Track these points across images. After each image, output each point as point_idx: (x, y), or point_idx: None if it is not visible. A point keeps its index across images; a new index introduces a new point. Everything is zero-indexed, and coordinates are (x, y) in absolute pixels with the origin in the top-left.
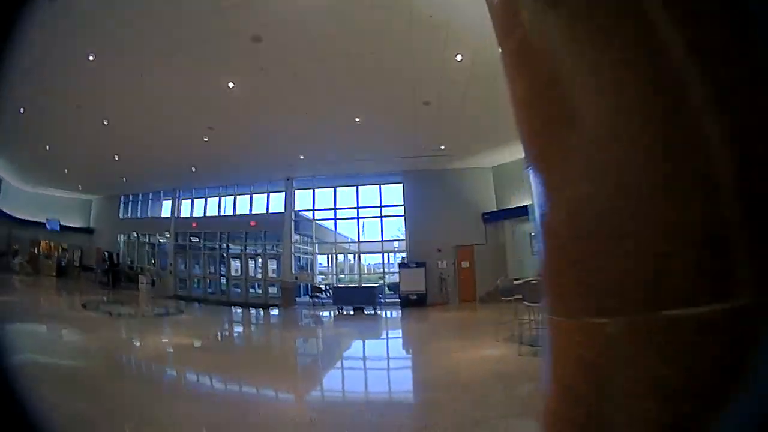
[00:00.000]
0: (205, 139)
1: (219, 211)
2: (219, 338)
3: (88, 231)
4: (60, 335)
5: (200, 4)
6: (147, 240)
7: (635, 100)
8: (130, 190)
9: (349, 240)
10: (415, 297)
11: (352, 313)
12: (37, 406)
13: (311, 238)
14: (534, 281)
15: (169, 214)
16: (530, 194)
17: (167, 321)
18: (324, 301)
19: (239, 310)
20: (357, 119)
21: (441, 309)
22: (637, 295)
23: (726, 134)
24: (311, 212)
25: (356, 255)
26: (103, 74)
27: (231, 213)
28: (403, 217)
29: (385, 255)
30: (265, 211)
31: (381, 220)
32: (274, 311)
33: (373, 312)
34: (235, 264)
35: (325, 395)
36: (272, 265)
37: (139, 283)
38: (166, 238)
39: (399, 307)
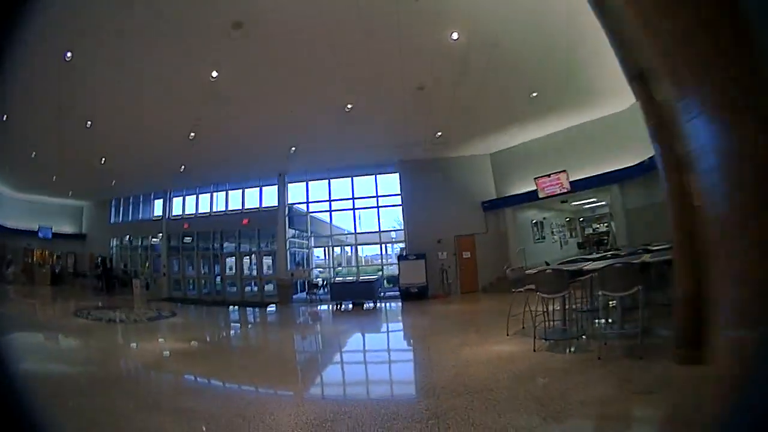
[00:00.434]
0: (192, 135)
1: (211, 208)
2: (210, 341)
3: (80, 237)
4: (45, 345)
5: None
6: (139, 243)
7: None
8: (121, 194)
9: (346, 232)
10: (415, 290)
11: (350, 308)
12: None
13: (306, 232)
14: (550, 270)
15: (160, 215)
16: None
17: (159, 325)
18: (322, 296)
19: (235, 310)
20: (348, 106)
21: (443, 301)
22: None
23: None
24: (305, 205)
25: (353, 247)
26: (82, 72)
27: (223, 210)
28: (401, 207)
29: (383, 247)
30: (258, 207)
31: (378, 211)
32: (271, 309)
33: (372, 306)
34: (229, 263)
35: (327, 405)
36: (268, 261)
37: (133, 287)
38: (159, 239)
39: (399, 300)
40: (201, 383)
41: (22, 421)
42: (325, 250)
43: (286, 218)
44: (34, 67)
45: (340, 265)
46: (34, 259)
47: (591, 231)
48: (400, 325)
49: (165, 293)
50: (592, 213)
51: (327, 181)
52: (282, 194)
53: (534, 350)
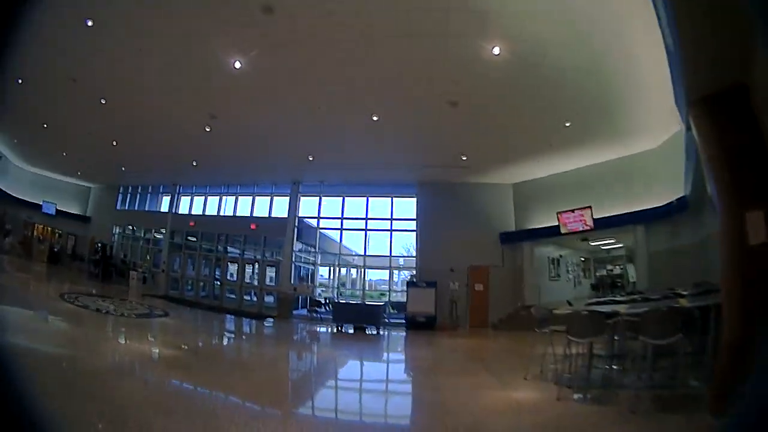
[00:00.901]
0: (207, 129)
1: (219, 211)
2: (198, 350)
3: (84, 219)
4: (12, 321)
5: None
6: (142, 235)
7: None
8: (130, 181)
9: (355, 253)
10: (423, 319)
11: (351, 332)
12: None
13: (314, 247)
14: (585, 312)
15: (166, 209)
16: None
17: (147, 323)
18: (323, 315)
19: (231, 318)
20: (375, 117)
21: (451, 334)
22: None
23: None
24: (316, 220)
25: (361, 270)
26: (101, 42)
27: (231, 214)
28: (414, 233)
29: (392, 272)
30: (268, 215)
31: (390, 235)
32: (269, 323)
33: (375, 332)
34: (231, 268)
35: None
36: (270, 272)
37: (130, 278)
38: (162, 234)
39: (404, 328)
40: (177, 397)
41: None
42: (330, 269)
43: (295, 229)
44: (54, 29)
45: (343, 285)
46: (35, 233)
47: (604, 273)
48: (407, 357)
49: (162, 290)
50: (607, 254)
51: (341, 198)
52: (293, 203)
53: (558, 399)
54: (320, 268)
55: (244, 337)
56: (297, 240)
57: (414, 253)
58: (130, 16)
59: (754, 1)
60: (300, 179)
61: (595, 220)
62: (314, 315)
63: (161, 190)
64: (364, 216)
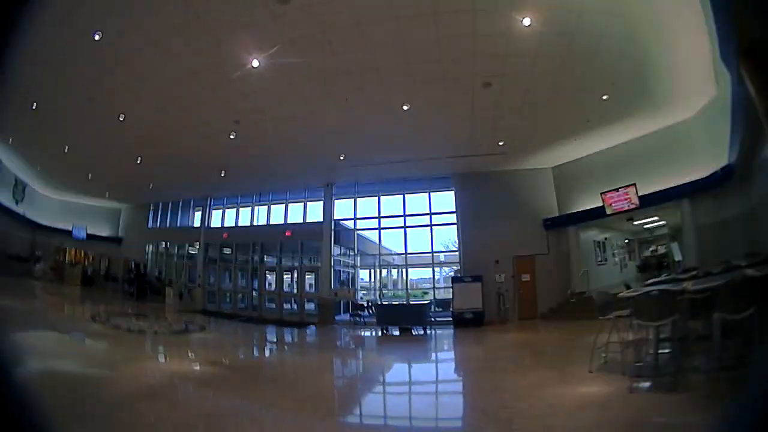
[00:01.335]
0: (232, 136)
1: (252, 221)
2: (235, 365)
3: (116, 240)
4: (37, 345)
5: None
6: (176, 251)
7: None
8: (160, 198)
9: (394, 252)
10: (470, 315)
11: (397, 333)
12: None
13: (353, 250)
14: (656, 292)
15: (199, 224)
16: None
17: (183, 340)
18: (366, 319)
19: (271, 329)
20: (405, 107)
21: (501, 329)
22: None
23: None
24: (353, 221)
25: (402, 269)
26: (112, 56)
27: (265, 223)
28: (455, 226)
29: (435, 269)
30: (302, 221)
31: (431, 230)
32: (311, 331)
33: (422, 333)
34: (268, 278)
35: None
36: (310, 279)
37: (166, 295)
38: (196, 249)
39: (451, 326)
40: (212, 418)
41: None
42: (370, 271)
43: (332, 233)
44: (63, 48)
45: (385, 287)
46: (67, 258)
47: (648, 253)
48: (459, 357)
49: (199, 305)
50: (650, 234)
51: (377, 198)
52: (328, 207)
53: (630, 391)
54: (360, 271)
55: (285, 347)
56: (335, 244)
57: (456, 248)
58: (141, 26)
59: None
60: (333, 181)
61: (640, 198)
62: (357, 319)
63: (192, 205)
64: (402, 213)
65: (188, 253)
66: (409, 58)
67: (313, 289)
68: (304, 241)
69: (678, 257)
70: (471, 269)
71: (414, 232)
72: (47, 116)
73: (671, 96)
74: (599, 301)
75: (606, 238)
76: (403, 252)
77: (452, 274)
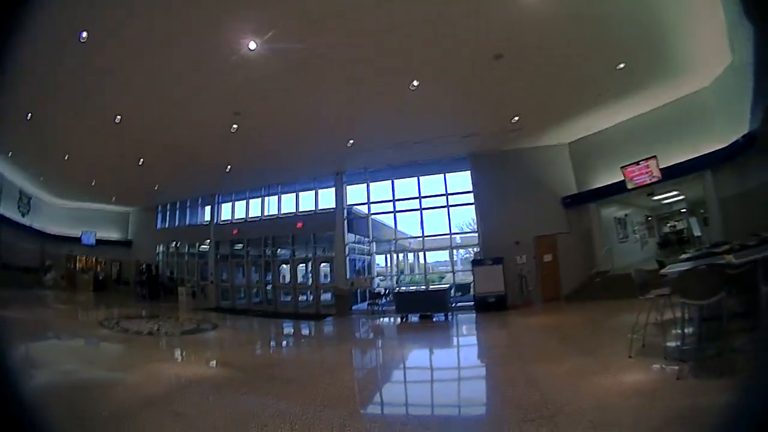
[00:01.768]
0: (234, 128)
1: (262, 213)
2: (247, 366)
3: (126, 244)
4: (36, 359)
5: None
6: (186, 250)
7: None
8: (167, 199)
9: (411, 236)
10: (492, 299)
11: (416, 320)
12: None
13: (367, 236)
14: (703, 267)
15: (208, 221)
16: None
17: (194, 340)
18: (385, 307)
19: (287, 323)
20: (414, 84)
21: (525, 312)
22: None
23: None
24: (366, 206)
25: (419, 253)
26: (101, 56)
27: (275, 214)
28: (472, 207)
29: (452, 252)
30: (314, 210)
31: (448, 211)
32: (328, 323)
33: (444, 319)
34: (282, 271)
35: None
36: (325, 269)
37: (178, 294)
38: (207, 246)
39: (472, 311)
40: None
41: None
42: (386, 257)
43: (345, 221)
44: (50, 53)
45: (402, 272)
46: (78, 265)
47: (668, 229)
48: (486, 344)
49: (213, 302)
50: (669, 210)
51: (390, 182)
52: (340, 194)
53: (678, 378)
54: (376, 257)
55: (303, 341)
56: (348, 231)
57: (474, 229)
58: (130, 18)
59: None
60: (343, 169)
61: (661, 170)
62: (375, 308)
63: (200, 202)
64: (417, 195)
65: (199, 250)
66: (416, 31)
67: (328, 280)
68: (316, 231)
69: (697, 232)
70: (491, 251)
71: (429, 215)
72: (43, 126)
73: (687, 64)
74: (638, 280)
75: (626, 215)
76: (420, 235)
77: (467, 256)
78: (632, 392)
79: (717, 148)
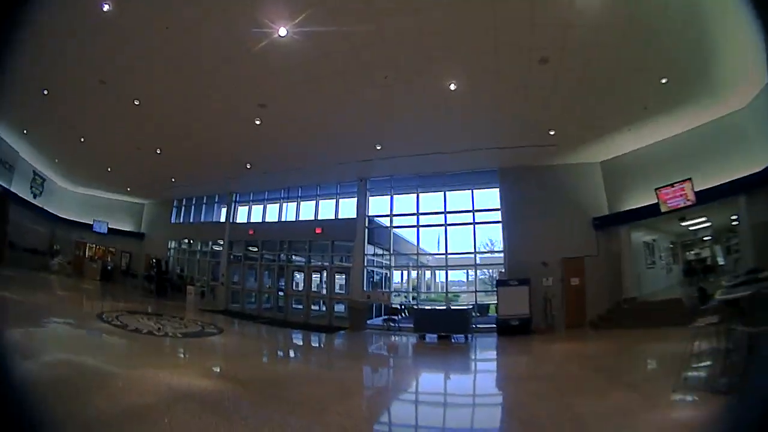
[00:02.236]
0: (257, 122)
1: (279, 216)
2: (248, 379)
3: (138, 236)
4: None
5: None
6: (199, 248)
7: None
8: (183, 193)
9: (430, 253)
10: (516, 322)
11: (435, 341)
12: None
13: (387, 249)
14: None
15: (223, 219)
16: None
17: (194, 345)
18: (402, 324)
19: (297, 334)
20: (452, 85)
21: (550, 338)
22: None
23: None
24: (388, 218)
25: (436, 271)
26: (121, 33)
27: (293, 219)
28: (499, 225)
29: (476, 271)
30: (334, 217)
31: (474, 228)
32: (341, 337)
33: (464, 341)
34: (296, 278)
35: None
36: (340, 280)
37: (187, 293)
38: (220, 245)
39: (493, 334)
40: None
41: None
42: (401, 273)
43: (366, 231)
44: (69, 25)
45: (414, 289)
46: (87, 252)
47: (692, 256)
48: (516, 374)
49: (221, 304)
50: (694, 236)
51: (415, 195)
52: (362, 202)
53: (737, 416)
54: (395, 272)
55: (313, 355)
56: (368, 242)
57: (496, 248)
58: None
59: None
60: (367, 175)
61: (696, 194)
62: (391, 324)
63: (217, 200)
64: (443, 210)
65: (212, 249)
66: (460, 25)
67: (343, 291)
68: (335, 239)
69: (721, 261)
70: (515, 271)
71: (452, 232)
72: (59, 103)
73: (726, 83)
74: (690, 305)
75: (654, 240)
76: (442, 252)
77: (483, 277)
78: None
79: (752, 173)
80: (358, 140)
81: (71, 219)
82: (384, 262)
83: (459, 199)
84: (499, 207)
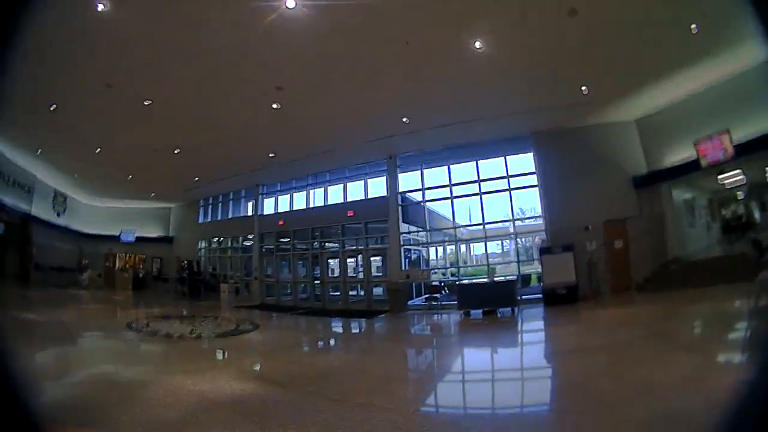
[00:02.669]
0: (275, 106)
1: (308, 204)
2: (286, 379)
3: (167, 240)
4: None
5: None
6: (229, 244)
7: None
8: (209, 192)
9: (470, 224)
10: (563, 291)
11: (480, 317)
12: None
13: (423, 226)
14: None
15: (251, 213)
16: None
17: (229, 345)
18: (444, 302)
19: (336, 322)
20: (478, 44)
21: (599, 305)
22: None
23: None
24: (421, 192)
25: (470, 244)
26: (120, 30)
27: (322, 204)
28: (536, 189)
29: (516, 239)
30: (364, 197)
31: (510, 195)
32: (382, 321)
33: (510, 314)
34: (331, 264)
35: None
36: (376, 262)
37: (220, 291)
38: (251, 240)
39: (539, 305)
40: None
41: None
42: (435, 249)
43: (399, 209)
44: (65, 31)
45: (452, 264)
46: (117, 263)
47: (729, 213)
48: (571, 344)
49: (257, 299)
50: (729, 192)
51: (446, 167)
52: (393, 180)
53: None
54: (431, 249)
55: (353, 345)
56: (403, 221)
57: (537, 214)
58: None
59: None
60: (396, 152)
61: (734, 147)
62: (433, 303)
63: (243, 195)
64: (476, 178)
65: (242, 245)
66: None
67: (380, 273)
68: (368, 221)
69: (758, 216)
70: (557, 238)
71: (487, 203)
72: (68, 116)
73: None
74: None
75: (694, 197)
76: (479, 223)
77: (513, 246)
78: None
79: None
80: (383, 116)
81: (97, 233)
82: (420, 239)
83: (492, 167)
84: (534, 171)
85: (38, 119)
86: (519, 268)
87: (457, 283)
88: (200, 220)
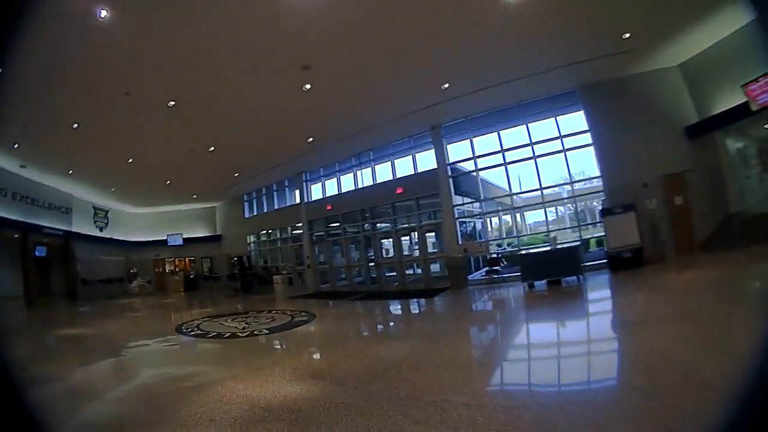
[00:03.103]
0: (307, 87)
1: (355, 185)
2: (345, 377)
3: (215, 238)
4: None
5: None
6: (279, 235)
7: None
8: (251, 186)
9: (527, 191)
10: (628, 254)
11: (544, 288)
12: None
13: (477, 197)
14: None
15: (297, 201)
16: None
17: (282, 340)
18: (505, 275)
19: (394, 304)
20: None
21: (666, 267)
22: None
23: None
24: (473, 161)
25: (524, 212)
26: (128, 35)
27: (371, 184)
28: (591, 148)
29: (577, 204)
30: (413, 172)
31: (565, 156)
32: (444, 299)
33: (576, 283)
34: (384, 245)
35: None
36: (431, 238)
37: (273, 284)
38: (300, 229)
39: (604, 271)
40: None
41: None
42: (489, 219)
43: (450, 180)
44: (77, 47)
45: (508, 234)
46: (167, 267)
47: None
48: (650, 314)
49: (311, 287)
50: None
51: (496, 132)
52: (440, 151)
53: None
54: (488, 219)
55: (415, 329)
56: (455, 193)
57: (595, 174)
58: None
59: None
60: (439, 122)
61: None
62: (494, 276)
63: (287, 184)
64: (529, 141)
65: (292, 234)
66: None
67: (437, 249)
68: (419, 197)
69: None
70: (617, 197)
71: (543, 165)
72: (92, 132)
73: None
74: None
75: (745, 146)
76: (537, 188)
77: (569, 212)
78: None
79: None
80: (421, 85)
81: (143, 240)
82: (474, 210)
83: (544, 129)
84: (587, 129)
85: (64, 140)
86: (580, 233)
87: (519, 253)
88: (246, 215)
